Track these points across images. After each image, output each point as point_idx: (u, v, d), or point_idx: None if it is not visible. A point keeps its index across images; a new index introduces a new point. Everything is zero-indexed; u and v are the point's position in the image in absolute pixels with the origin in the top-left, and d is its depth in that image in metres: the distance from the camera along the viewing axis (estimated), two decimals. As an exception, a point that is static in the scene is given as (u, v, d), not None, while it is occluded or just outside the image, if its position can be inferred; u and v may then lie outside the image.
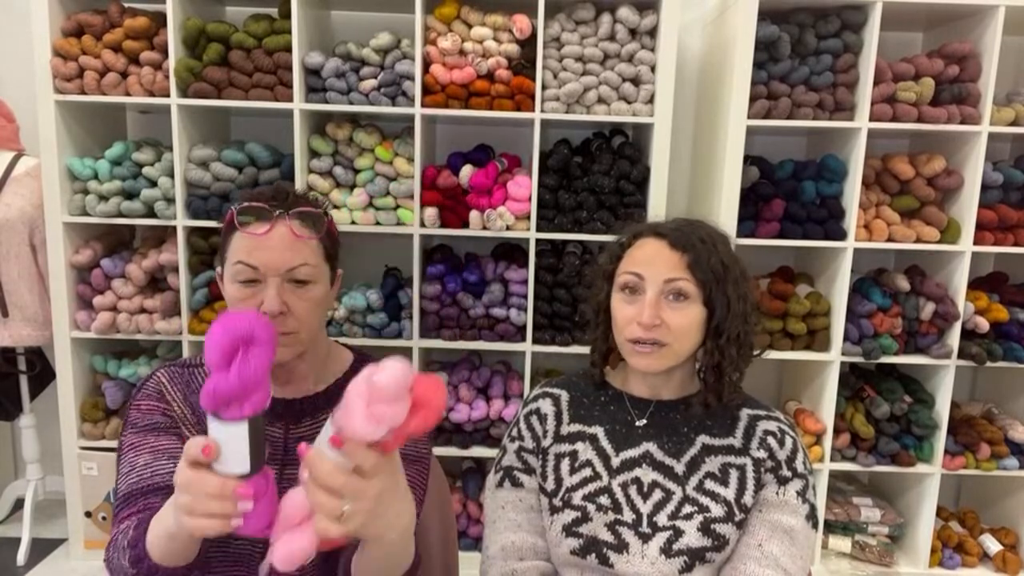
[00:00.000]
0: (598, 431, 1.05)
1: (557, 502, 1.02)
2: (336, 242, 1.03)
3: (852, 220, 2.08)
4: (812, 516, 1.00)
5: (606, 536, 0.97)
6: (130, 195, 2.09)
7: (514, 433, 1.09)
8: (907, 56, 2.11)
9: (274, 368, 0.89)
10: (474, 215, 2.09)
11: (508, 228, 2.09)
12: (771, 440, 1.02)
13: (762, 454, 1.01)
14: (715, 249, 0.98)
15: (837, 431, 2.19)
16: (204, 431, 0.87)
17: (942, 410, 2.18)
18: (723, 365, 0.99)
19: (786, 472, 1.00)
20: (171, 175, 2.06)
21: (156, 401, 0.99)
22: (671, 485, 1.00)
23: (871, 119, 2.02)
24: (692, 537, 0.96)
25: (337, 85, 2.02)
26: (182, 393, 1.00)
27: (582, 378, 1.14)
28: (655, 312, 0.96)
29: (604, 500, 1.00)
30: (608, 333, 1.07)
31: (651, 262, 0.99)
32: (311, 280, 0.95)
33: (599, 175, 2.07)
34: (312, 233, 0.95)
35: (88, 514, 2.19)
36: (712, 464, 1.01)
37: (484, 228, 2.10)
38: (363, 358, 1.10)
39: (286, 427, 1.00)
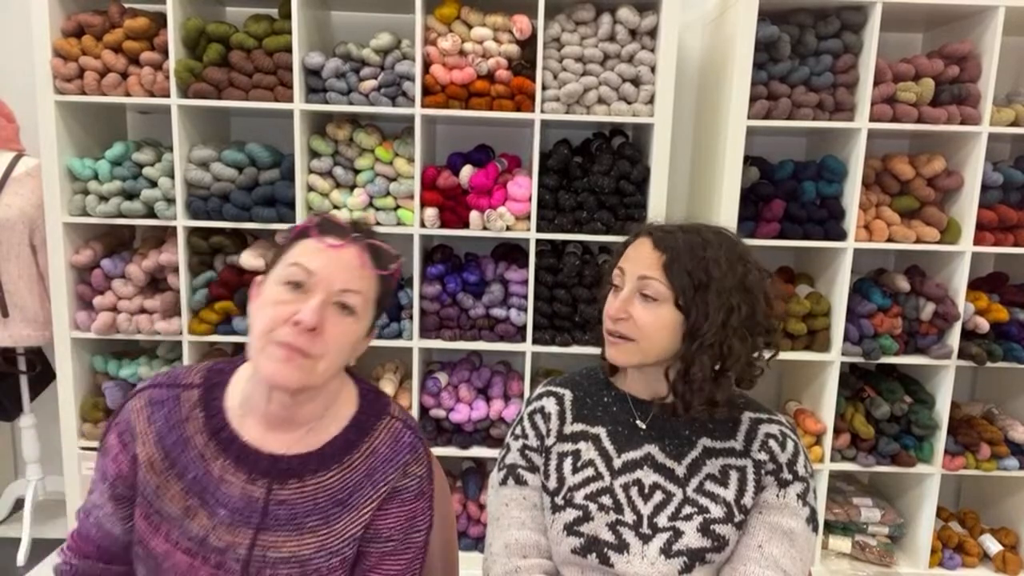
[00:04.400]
0: (601, 432, 1.06)
1: (559, 501, 1.02)
2: (390, 293, 0.98)
3: (852, 220, 2.08)
4: (812, 519, 1.00)
5: (607, 536, 0.97)
6: (130, 195, 2.09)
7: (518, 431, 1.09)
8: (907, 56, 2.11)
9: (274, 404, 0.90)
10: (474, 215, 2.09)
11: (508, 228, 2.09)
12: (772, 443, 1.02)
13: (763, 456, 1.01)
14: (703, 254, 0.96)
15: (837, 431, 2.19)
16: (176, 472, 0.90)
17: (942, 410, 2.18)
18: (692, 373, 0.96)
19: (787, 475, 1.00)
20: (171, 175, 2.06)
21: (120, 442, 0.93)
22: (671, 487, 1.01)
23: (871, 119, 2.03)
24: (692, 538, 0.96)
25: (337, 85, 2.02)
26: (158, 430, 0.92)
27: (585, 377, 1.14)
28: (623, 306, 0.98)
29: (606, 500, 1.00)
30: None
31: (633, 259, 1.01)
32: (355, 311, 0.89)
33: (599, 175, 2.07)
34: (376, 269, 0.92)
35: (88, 514, 2.19)
36: (713, 466, 1.01)
37: (484, 228, 2.10)
38: (367, 409, 0.98)
39: (269, 487, 0.90)
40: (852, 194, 2.08)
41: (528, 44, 2.04)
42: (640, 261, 0.99)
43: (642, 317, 0.97)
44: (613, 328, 1.00)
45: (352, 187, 2.12)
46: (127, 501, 0.92)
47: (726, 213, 2.04)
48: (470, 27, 2.04)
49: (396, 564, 0.95)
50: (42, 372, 2.31)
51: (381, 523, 0.94)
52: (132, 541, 0.93)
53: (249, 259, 2.08)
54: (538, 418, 1.08)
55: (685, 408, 0.99)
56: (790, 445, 1.02)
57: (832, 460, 2.19)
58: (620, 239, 2.22)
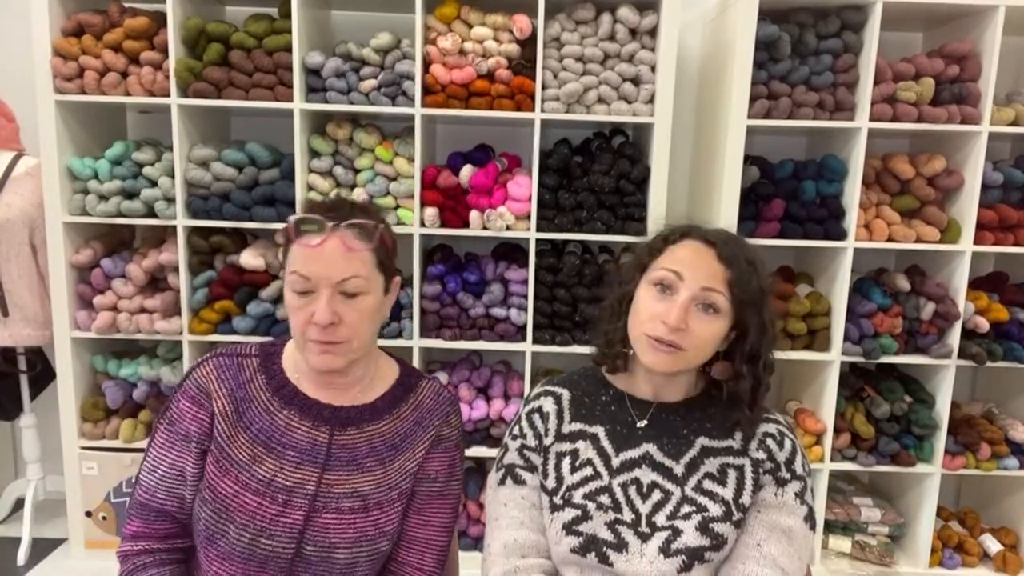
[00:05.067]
0: (599, 431, 1.06)
1: (558, 500, 1.02)
2: (391, 251, 1.04)
3: (852, 220, 2.08)
4: (810, 517, 1.00)
5: (606, 535, 0.97)
6: (130, 195, 2.09)
7: (516, 431, 1.10)
8: (907, 56, 2.11)
9: (324, 373, 1.02)
10: (474, 215, 2.09)
11: (508, 228, 2.09)
12: (770, 442, 1.02)
13: (761, 455, 1.01)
14: (755, 272, 0.98)
15: (837, 431, 2.19)
16: (243, 424, 1.01)
17: (942, 410, 2.18)
18: (759, 390, 1.01)
19: (784, 474, 1.00)
20: (171, 175, 2.07)
21: (195, 404, 1.02)
22: (670, 486, 1.01)
23: (871, 119, 2.02)
24: (690, 536, 0.96)
25: (337, 85, 2.02)
26: (228, 387, 1.03)
27: (583, 377, 1.14)
28: (683, 315, 0.95)
29: (604, 499, 1.00)
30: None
31: (694, 266, 0.98)
32: (361, 292, 0.97)
33: (599, 175, 2.07)
34: (364, 245, 0.97)
35: (88, 514, 2.19)
36: (711, 465, 1.01)
37: (484, 228, 2.10)
38: (408, 372, 1.13)
39: (331, 432, 1.03)
40: (852, 193, 2.08)
41: (528, 43, 2.04)
42: (703, 271, 0.97)
43: (699, 328, 0.96)
44: (667, 337, 0.96)
45: (352, 187, 2.12)
46: (193, 446, 1.01)
47: (726, 213, 2.04)
48: (470, 26, 2.04)
49: (441, 508, 1.09)
50: (42, 372, 2.31)
51: (429, 466, 1.08)
52: (194, 504, 1.02)
53: (249, 259, 2.08)
54: (536, 418, 1.08)
55: (751, 425, 1.02)
56: (788, 444, 1.02)
57: (832, 460, 2.18)
58: (620, 238, 2.22)
